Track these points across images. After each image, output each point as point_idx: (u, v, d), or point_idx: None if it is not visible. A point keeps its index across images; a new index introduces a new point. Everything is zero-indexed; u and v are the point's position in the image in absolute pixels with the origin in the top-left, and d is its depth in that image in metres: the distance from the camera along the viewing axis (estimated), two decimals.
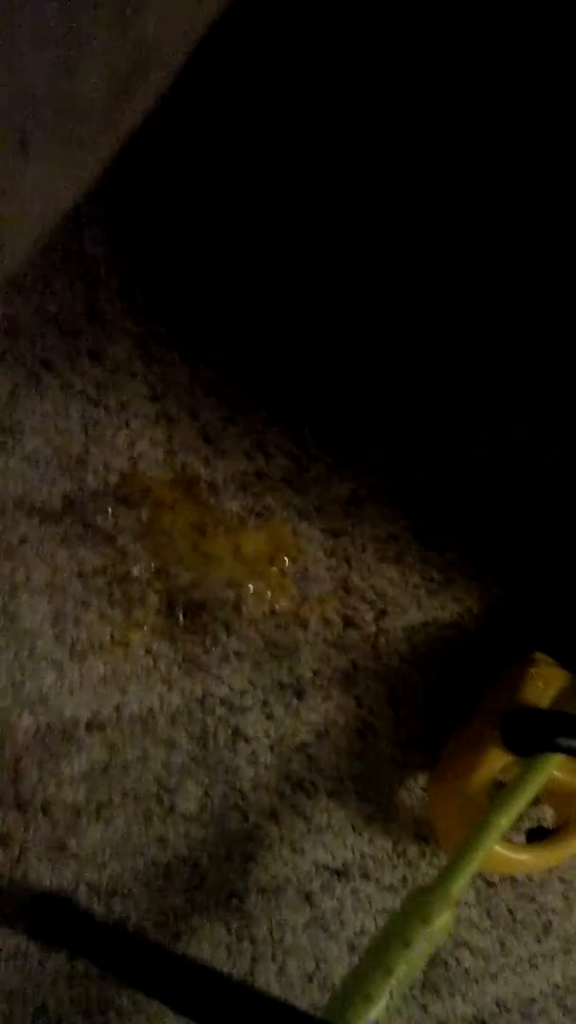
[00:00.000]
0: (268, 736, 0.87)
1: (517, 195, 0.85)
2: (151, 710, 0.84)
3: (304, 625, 0.89)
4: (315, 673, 0.89)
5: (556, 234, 0.81)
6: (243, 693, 0.87)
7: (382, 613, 0.91)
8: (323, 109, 0.89)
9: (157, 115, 0.59)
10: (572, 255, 0.80)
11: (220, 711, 0.86)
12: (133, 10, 0.48)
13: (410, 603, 0.92)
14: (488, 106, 0.81)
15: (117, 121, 0.55)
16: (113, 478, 0.85)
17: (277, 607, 0.88)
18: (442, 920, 0.77)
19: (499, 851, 0.86)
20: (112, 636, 0.84)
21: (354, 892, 0.89)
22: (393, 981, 0.75)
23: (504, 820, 0.82)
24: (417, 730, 0.91)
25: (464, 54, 0.81)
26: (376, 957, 0.76)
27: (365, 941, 0.89)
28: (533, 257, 0.84)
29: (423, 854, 0.92)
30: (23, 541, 0.83)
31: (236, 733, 0.86)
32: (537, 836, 0.91)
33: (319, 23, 0.85)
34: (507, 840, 0.87)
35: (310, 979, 0.87)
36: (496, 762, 0.87)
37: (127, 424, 0.86)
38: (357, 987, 0.75)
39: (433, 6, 0.79)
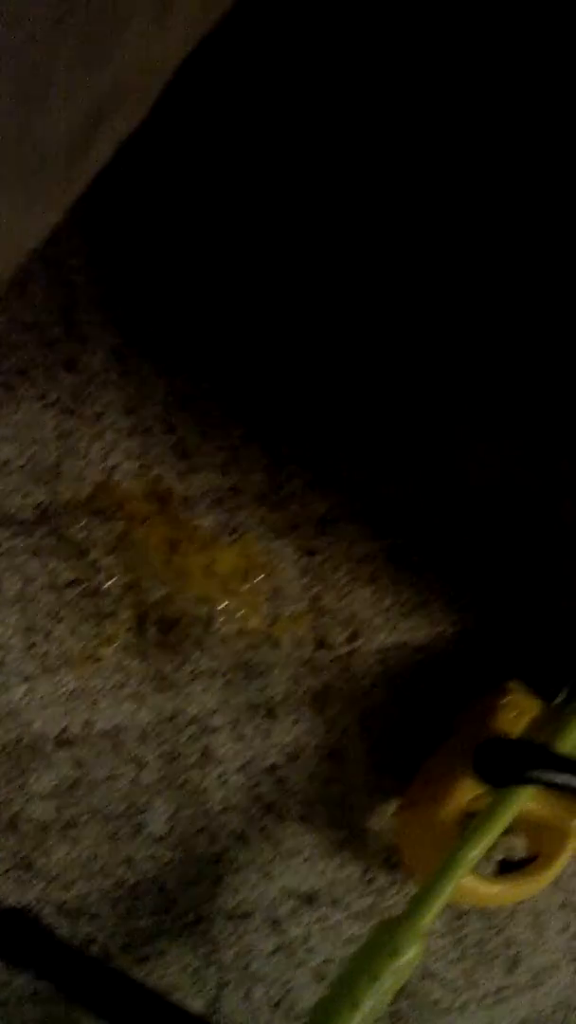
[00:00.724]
0: (238, 757, 0.86)
1: (504, 221, 0.85)
2: (120, 727, 0.83)
3: (276, 645, 0.88)
4: (287, 694, 0.88)
5: (545, 251, 0.81)
6: (213, 712, 0.85)
7: (355, 634, 0.90)
8: (307, 120, 0.89)
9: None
10: (562, 273, 0.81)
11: (190, 730, 0.85)
12: (97, 50, 0.46)
13: (383, 625, 0.91)
14: (488, 122, 0.82)
15: (80, 166, 0.53)
16: (87, 490, 0.84)
17: (249, 625, 0.87)
18: (410, 954, 0.75)
19: (469, 883, 0.85)
20: (83, 651, 0.82)
21: (322, 919, 0.87)
22: (359, 1015, 0.73)
23: (475, 852, 0.81)
24: (389, 755, 0.90)
25: (464, 55, 0.81)
26: (343, 990, 0.74)
27: (332, 969, 0.87)
28: (517, 275, 0.84)
29: (393, 882, 0.90)
30: None
31: (206, 753, 0.85)
32: (508, 868, 0.90)
33: (311, 28, 0.85)
34: (477, 872, 0.85)
35: (276, 1007, 0.85)
36: (467, 792, 0.85)
37: (102, 435, 0.85)
38: (324, 1021, 0.73)
39: (431, 6, 0.80)
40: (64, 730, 0.81)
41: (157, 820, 0.83)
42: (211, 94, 0.87)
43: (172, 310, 0.88)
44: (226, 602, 0.86)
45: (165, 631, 0.85)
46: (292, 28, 0.84)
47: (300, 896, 0.87)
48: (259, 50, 0.86)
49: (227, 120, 0.88)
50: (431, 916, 0.78)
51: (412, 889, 0.90)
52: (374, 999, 0.73)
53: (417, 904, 0.78)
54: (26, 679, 0.80)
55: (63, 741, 0.81)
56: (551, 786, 0.84)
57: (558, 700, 0.90)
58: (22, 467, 0.83)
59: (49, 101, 0.45)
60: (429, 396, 0.91)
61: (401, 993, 0.89)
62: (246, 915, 0.85)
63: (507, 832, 0.86)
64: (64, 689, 0.81)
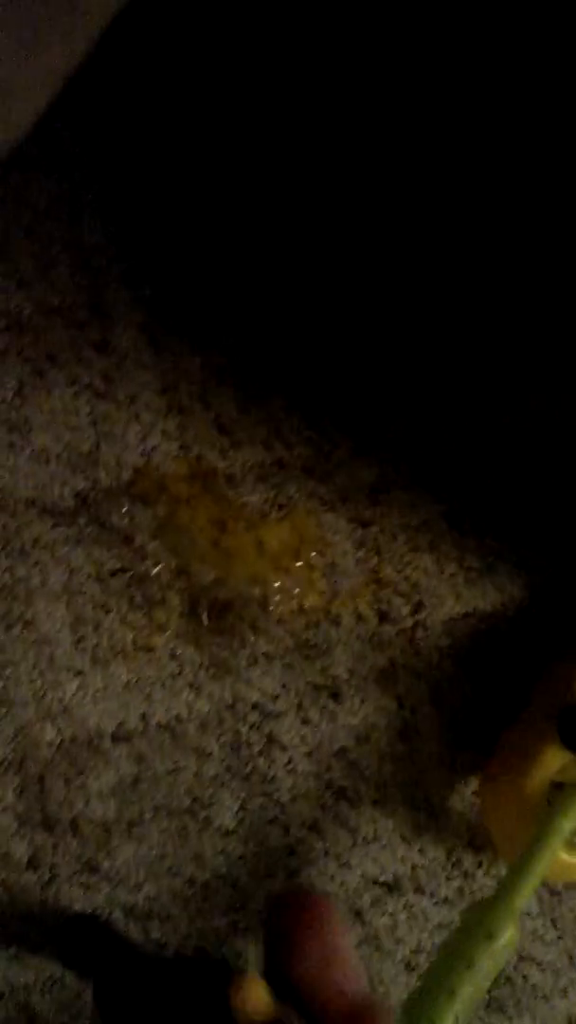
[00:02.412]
0: (305, 742, 0.82)
1: (534, 173, 0.83)
2: (179, 718, 0.79)
3: (336, 622, 0.84)
4: (351, 673, 0.84)
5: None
6: (276, 697, 0.82)
7: (419, 606, 0.86)
8: (329, 95, 0.86)
9: (154, 93, 0.56)
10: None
11: (252, 717, 0.81)
12: None
13: (448, 594, 0.87)
14: (488, 95, 0.80)
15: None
16: (127, 474, 0.81)
17: (306, 604, 0.83)
18: (506, 936, 0.71)
19: (564, 858, 0.80)
20: (134, 641, 0.79)
21: (407, 907, 0.83)
22: (458, 1004, 0.69)
23: (568, 824, 0.77)
24: (464, 729, 0.86)
25: (464, 51, 0.80)
26: (438, 978, 0.70)
27: (423, 959, 0.83)
28: (547, 237, 0.81)
29: (479, 863, 0.86)
30: (36, 543, 0.79)
31: (271, 740, 0.81)
32: None
33: (322, 19, 0.84)
34: (571, 845, 0.81)
35: None
36: (553, 761, 0.81)
37: (137, 417, 0.82)
38: (420, 1012, 0.69)
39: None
40: (121, 725, 0.78)
41: (225, 813, 0.79)
42: (228, 75, 0.85)
43: (201, 284, 0.85)
44: (280, 581, 0.83)
45: (218, 615, 0.81)
46: (299, 22, 0.83)
47: (382, 884, 0.83)
48: (269, 41, 0.84)
49: (246, 98, 0.86)
50: (525, 895, 0.73)
51: (501, 869, 0.85)
52: (471, 987, 0.69)
53: (509, 883, 0.74)
54: (77, 674, 0.78)
55: (120, 736, 0.78)
56: None
57: None
58: (59, 456, 0.80)
59: None
60: (480, 348, 0.87)
61: (498, 979, 0.85)
62: None
63: None
64: (118, 682, 0.78)
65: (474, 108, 0.83)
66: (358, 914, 0.82)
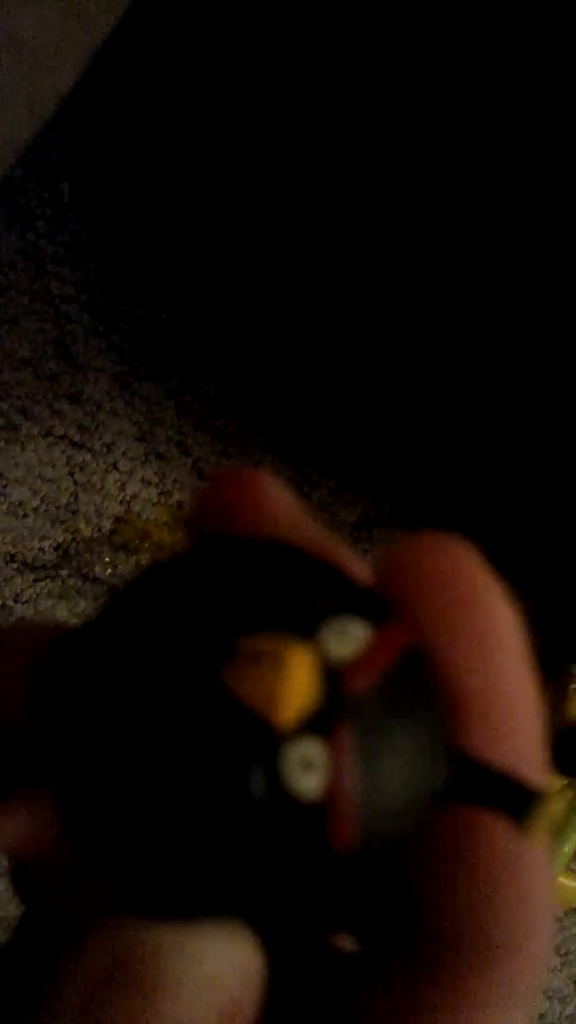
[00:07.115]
0: None
1: (512, 215, 0.81)
2: None
3: None
4: None
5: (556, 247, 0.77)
6: None
7: None
8: (313, 127, 0.85)
9: (126, 131, 0.56)
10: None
11: None
12: None
13: None
14: (488, 108, 0.78)
15: None
16: (107, 524, 0.81)
17: None
18: None
19: (564, 883, 0.80)
20: None
21: None
22: None
23: (567, 847, 0.76)
24: None
25: (464, 52, 0.77)
26: None
27: None
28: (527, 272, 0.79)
29: None
30: (19, 599, 0.79)
31: None
32: None
33: (315, 20, 0.82)
34: (570, 870, 0.80)
35: None
36: (548, 785, 0.80)
37: (115, 466, 0.82)
38: None
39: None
40: None
41: None
42: (210, 103, 0.83)
43: (173, 330, 0.85)
44: None
45: None
46: (290, 27, 0.81)
47: None
48: (258, 51, 0.82)
49: (224, 131, 0.84)
50: None
51: None
52: None
53: None
54: None
55: None
56: None
57: None
58: (36, 508, 0.81)
59: None
60: (454, 385, 0.86)
61: None
62: None
63: None
64: None
65: (475, 111, 0.81)
66: None
